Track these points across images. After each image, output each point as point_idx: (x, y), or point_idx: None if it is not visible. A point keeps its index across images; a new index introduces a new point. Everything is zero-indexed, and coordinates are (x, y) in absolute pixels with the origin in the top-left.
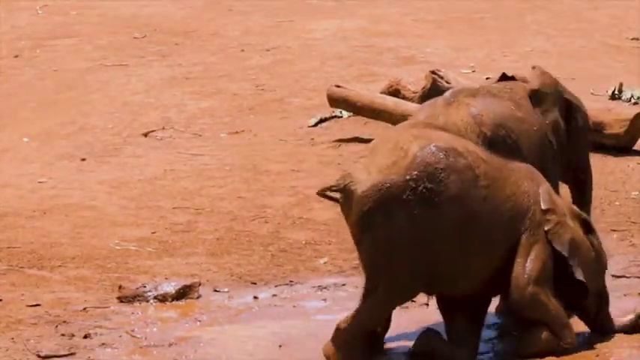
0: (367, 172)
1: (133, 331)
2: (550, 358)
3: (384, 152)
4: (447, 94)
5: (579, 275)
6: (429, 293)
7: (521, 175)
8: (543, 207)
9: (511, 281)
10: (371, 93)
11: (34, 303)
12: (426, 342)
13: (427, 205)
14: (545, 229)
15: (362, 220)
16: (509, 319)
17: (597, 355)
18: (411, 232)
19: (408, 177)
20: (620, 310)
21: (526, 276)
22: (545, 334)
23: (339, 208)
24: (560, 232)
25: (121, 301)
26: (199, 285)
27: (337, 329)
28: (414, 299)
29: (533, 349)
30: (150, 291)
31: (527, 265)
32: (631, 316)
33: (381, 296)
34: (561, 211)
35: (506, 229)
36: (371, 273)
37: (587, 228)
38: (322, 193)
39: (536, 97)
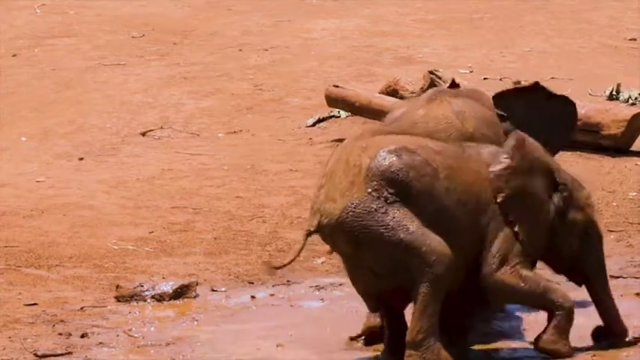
0: (332, 201)
1: (130, 330)
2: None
3: (340, 175)
4: (430, 91)
5: (518, 229)
6: None
7: (480, 161)
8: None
9: (482, 269)
10: (369, 93)
11: (32, 302)
12: None
13: (401, 207)
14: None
15: (350, 246)
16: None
17: (594, 356)
18: (402, 225)
19: (370, 190)
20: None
21: (491, 264)
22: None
23: None
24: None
25: (119, 301)
26: (197, 284)
27: (412, 344)
28: None
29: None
30: (147, 290)
31: (492, 252)
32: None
33: (425, 287)
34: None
35: (473, 218)
36: (393, 274)
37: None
38: (307, 238)
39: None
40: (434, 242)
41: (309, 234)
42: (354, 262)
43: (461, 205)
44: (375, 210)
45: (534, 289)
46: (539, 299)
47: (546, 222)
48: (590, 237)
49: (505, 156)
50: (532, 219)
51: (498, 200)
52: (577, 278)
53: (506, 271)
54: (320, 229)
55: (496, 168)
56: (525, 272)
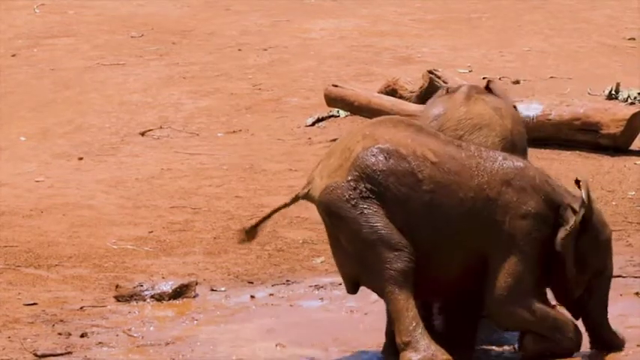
0: (320, 177)
1: (129, 330)
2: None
3: (336, 154)
4: (463, 88)
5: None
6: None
7: (493, 179)
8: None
9: (486, 297)
10: (368, 92)
11: (31, 302)
12: None
13: (371, 203)
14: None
15: (327, 222)
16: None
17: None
18: (368, 222)
19: (349, 177)
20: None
21: (498, 292)
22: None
23: None
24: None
25: (118, 300)
26: (196, 284)
27: (401, 346)
28: None
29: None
30: (147, 290)
31: (499, 280)
32: None
33: (389, 286)
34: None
35: (462, 235)
36: (359, 265)
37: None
38: (293, 202)
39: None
40: (395, 240)
41: (295, 199)
42: (333, 238)
43: (446, 222)
44: (347, 199)
45: (543, 323)
46: (547, 332)
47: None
48: (601, 278)
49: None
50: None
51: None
52: (577, 312)
53: (515, 301)
54: (306, 198)
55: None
56: (535, 303)
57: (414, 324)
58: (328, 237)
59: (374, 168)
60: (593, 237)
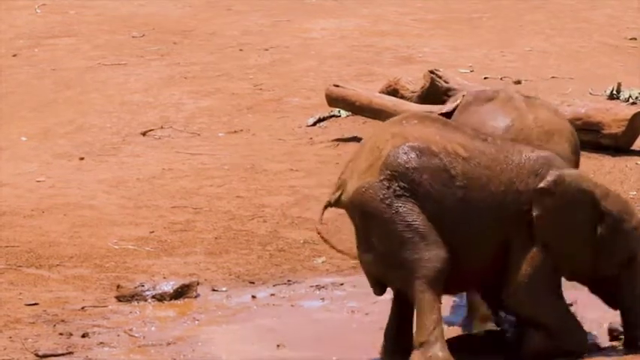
0: (351, 179)
1: (131, 330)
2: None
3: (365, 154)
4: (518, 96)
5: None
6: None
7: (521, 171)
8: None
9: (505, 284)
10: (369, 92)
11: (32, 302)
12: None
13: (406, 201)
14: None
15: (358, 223)
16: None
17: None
18: (402, 221)
19: (382, 177)
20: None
21: (518, 283)
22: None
23: (336, 208)
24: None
25: (119, 301)
26: (197, 284)
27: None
28: None
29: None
30: (148, 290)
31: (521, 271)
32: None
33: (418, 288)
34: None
35: (493, 230)
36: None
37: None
38: (327, 207)
39: None
40: (431, 238)
41: (327, 206)
42: (362, 239)
43: (477, 216)
44: (382, 199)
45: (555, 318)
46: (556, 328)
47: (584, 249)
48: (632, 267)
49: (545, 184)
50: (567, 245)
51: (534, 220)
52: (612, 303)
53: (533, 290)
54: (337, 205)
55: (535, 188)
56: (552, 296)
57: (434, 326)
58: (356, 238)
59: (407, 166)
60: (612, 226)
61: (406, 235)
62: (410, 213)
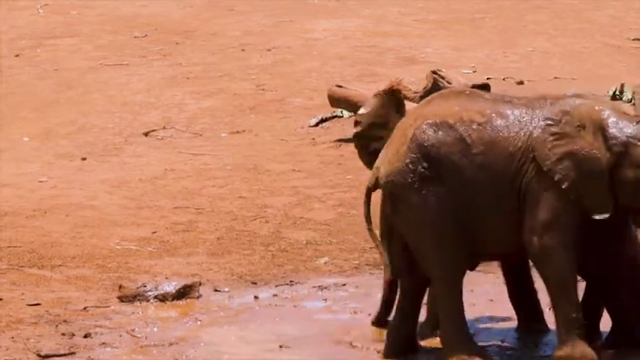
0: (383, 165)
1: (133, 330)
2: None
3: (395, 141)
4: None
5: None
6: (471, 267)
7: (539, 124)
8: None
9: (525, 235)
10: (372, 93)
11: (35, 302)
12: None
13: (432, 184)
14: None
15: (387, 210)
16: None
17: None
18: (430, 209)
19: (407, 161)
20: None
21: (536, 230)
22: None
23: (339, 209)
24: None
25: (122, 301)
26: (200, 285)
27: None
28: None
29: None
30: (150, 290)
31: (536, 215)
32: None
33: (440, 280)
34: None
35: (510, 188)
36: (417, 257)
37: None
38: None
39: None
40: (456, 227)
41: (369, 192)
42: (388, 228)
43: (496, 179)
44: (410, 184)
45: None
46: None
47: (601, 181)
48: None
49: (549, 122)
50: (583, 180)
51: (545, 168)
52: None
53: (551, 240)
54: (376, 187)
55: (540, 136)
56: (572, 247)
57: (456, 327)
58: (381, 226)
59: (426, 144)
60: (624, 151)
61: (433, 223)
62: (437, 200)
